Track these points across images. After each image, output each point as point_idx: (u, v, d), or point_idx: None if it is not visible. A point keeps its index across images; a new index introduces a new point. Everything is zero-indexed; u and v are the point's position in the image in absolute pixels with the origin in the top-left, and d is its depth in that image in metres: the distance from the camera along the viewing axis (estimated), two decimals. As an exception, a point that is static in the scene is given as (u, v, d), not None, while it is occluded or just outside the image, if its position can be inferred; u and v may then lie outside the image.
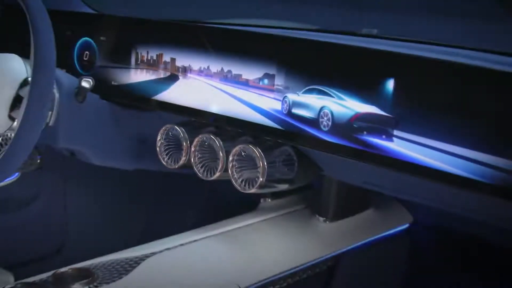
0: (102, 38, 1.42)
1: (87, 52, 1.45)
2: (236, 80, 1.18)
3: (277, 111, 1.12)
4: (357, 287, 1.45)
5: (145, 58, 1.34)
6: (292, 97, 1.09)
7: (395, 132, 0.96)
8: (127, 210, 1.87)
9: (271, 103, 1.12)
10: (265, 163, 1.16)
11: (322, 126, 1.05)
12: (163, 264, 1.20)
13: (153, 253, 1.22)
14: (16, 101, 1.19)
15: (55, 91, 1.25)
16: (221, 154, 1.21)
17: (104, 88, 1.39)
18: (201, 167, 1.26)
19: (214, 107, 1.22)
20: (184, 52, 1.27)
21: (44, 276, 1.13)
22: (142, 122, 1.45)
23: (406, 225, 1.51)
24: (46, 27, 1.12)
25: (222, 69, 1.20)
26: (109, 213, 1.85)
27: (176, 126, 1.27)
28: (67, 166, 1.72)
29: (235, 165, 1.20)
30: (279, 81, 1.11)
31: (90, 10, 1.60)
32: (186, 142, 1.26)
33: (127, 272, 1.15)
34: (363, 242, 1.42)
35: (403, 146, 0.96)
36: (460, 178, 0.89)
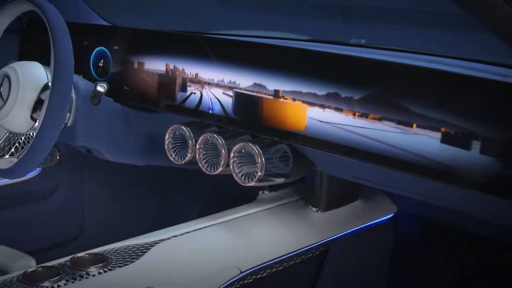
0: (115, 47, 1.43)
1: (102, 60, 1.45)
2: (236, 85, 1.19)
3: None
4: (347, 270, 1.44)
5: (153, 65, 1.34)
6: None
7: (381, 131, 0.98)
8: (138, 202, 1.87)
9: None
10: (263, 159, 1.17)
11: None
12: (170, 250, 1.20)
13: (162, 240, 1.22)
14: (38, 104, 1.20)
15: (73, 94, 1.25)
16: (223, 151, 1.21)
17: (117, 92, 1.40)
18: (205, 162, 1.26)
19: (217, 109, 1.23)
20: (189, 60, 1.27)
21: (62, 260, 1.12)
22: (152, 122, 1.45)
23: (391, 215, 1.50)
24: (65, 38, 1.13)
25: (223, 74, 1.21)
26: (122, 204, 1.85)
27: (182, 126, 1.28)
28: (83, 162, 1.73)
29: (236, 161, 1.20)
30: (271, 86, 1.12)
31: (105, 23, 1.60)
32: (192, 140, 1.26)
33: (138, 256, 1.15)
34: (352, 230, 1.41)
35: (387, 142, 0.97)
36: (440, 172, 0.91)
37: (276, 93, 1.12)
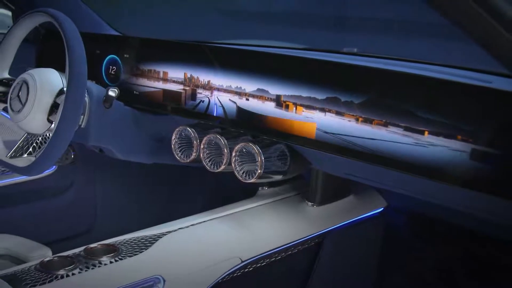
0: (125, 55, 1.43)
1: (113, 67, 1.45)
2: (238, 90, 1.19)
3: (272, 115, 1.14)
4: (340, 260, 1.45)
5: (160, 72, 1.34)
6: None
7: (371, 132, 0.98)
8: (147, 197, 1.87)
9: (267, 108, 1.15)
10: (263, 158, 1.17)
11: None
12: (176, 241, 1.21)
13: (168, 232, 1.22)
14: (54, 107, 1.19)
15: (87, 99, 1.26)
16: (225, 151, 1.22)
17: (127, 96, 1.40)
18: (209, 161, 1.27)
19: (220, 112, 1.23)
20: (194, 66, 1.27)
21: (77, 250, 1.14)
22: (159, 124, 1.45)
23: (381, 209, 1.50)
24: (79, 47, 1.13)
25: (225, 80, 1.21)
26: (131, 199, 1.85)
27: (187, 127, 1.28)
28: (96, 161, 1.73)
29: (237, 160, 1.21)
30: (273, 91, 1.13)
31: (116, 33, 1.60)
32: (196, 141, 1.27)
33: (147, 247, 1.15)
34: (344, 223, 1.42)
35: (377, 143, 0.98)
36: (426, 169, 0.92)
37: (277, 98, 1.12)
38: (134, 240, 1.19)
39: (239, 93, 1.18)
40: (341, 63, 1.06)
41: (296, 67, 1.12)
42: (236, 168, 1.21)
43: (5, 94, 1.28)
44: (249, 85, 1.17)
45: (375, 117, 0.97)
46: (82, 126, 1.26)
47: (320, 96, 1.05)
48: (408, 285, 1.55)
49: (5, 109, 1.28)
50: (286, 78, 1.11)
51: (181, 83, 1.30)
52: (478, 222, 1.22)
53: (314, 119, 1.07)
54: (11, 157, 1.25)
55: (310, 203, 1.41)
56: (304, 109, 1.08)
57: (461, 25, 0.66)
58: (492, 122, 0.86)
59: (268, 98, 1.14)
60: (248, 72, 1.17)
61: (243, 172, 1.21)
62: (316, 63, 1.09)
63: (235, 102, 1.20)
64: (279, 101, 1.12)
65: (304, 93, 1.08)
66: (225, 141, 1.22)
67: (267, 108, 1.14)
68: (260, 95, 1.15)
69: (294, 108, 1.09)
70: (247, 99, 1.17)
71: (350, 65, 1.04)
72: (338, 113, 1.03)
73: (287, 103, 1.10)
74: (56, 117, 1.13)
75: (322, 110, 1.05)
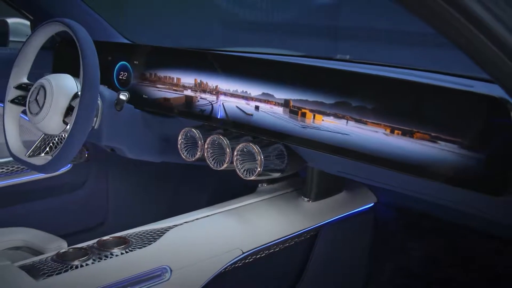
0: (135, 62, 1.43)
1: (124, 72, 1.45)
2: (241, 94, 1.19)
3: (272, 117, 1.14)
4: (334, 252, 1.45)
5: (168, 77, 1.34)
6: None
7: (364, 133, 0.98)
8: (155, 193, 1.87)
9: (267, 111, 1.14)
10: (262, 157, 1.17)
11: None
12: (182, 234, 1.21)
13: (175, 225, 1.23)
14: (69, 110, 1.19)
15: (99, 102, 1.26)
16: (228, 150, 1.22)
17: (137, 100, 1.40)
18: (212, 160, 1.27)
19: (222, 114, 1.23)
20: (198, 72, 1.27)
21: (90, 242, 1.14)
22: (166, 125, 1.44)
23: (371, 204, 1.50)
24: (92, 54, 1.13)
25: (228, 85, 1.21)
26: (141, 195, 1.85)
27: (192, 129, 1.28)
28: (108, 160, 1.72)
29: (238, 158, 1.21)
30: (275, 95, 1.13)
31: (126, 41, 1.61)
32: (201, 141, 1.27)
33: (155, 239, 1.16)
34: (338, 217, 1.42)
35: (370, 142, 0.98)
36: (414, 167, 0.92)
37: (286, 102, 1.10)
38: (144, 233, 1.19)
39: (246, 97, 1.18)
40: (336, 69, 1.05)
41: (298, 73, 1.11)
42: (238, 166, 1.21)
43: (24, 97, 1.28)
44: (255, 90, 1.16)
45: (368, 119, 0.97)
46: (95, 127, 1.26)
47: (328, 100, 1.03)
48: (397, 275, 1.55)
49: (24, 112, 1.28)
50: (288, 83, 1.10)
51: (188, 87, 1.30)
52: (463, 216, 1.22)
53: (323, 125, 1.04)
54: (29, 156, 1.25)
55: (306, 199, 1.41)
56: (324, 117, 1.04)
57: (445, 33, 0.66)
58: (474, 123, 0.86)
59: (275, 103, 1.12)
60: (253, 78, 1.16)
61: (244, 170, 1.21)
62: (315, 69, 1.09)
63: (240, 109, 1.19)
64: (287, 106, 1.10)
65: (311, 98, 1.07)
66: (227, 141, 1.22)
67: (278, 120, 1.12)
68: (265, 99, 1.14)
69: (312, 116, 1.06)
70: (257, 108, 1.15)
71: (343, 71, 1.04)
72: (348, 117, 1.01)
73: (304, 110, 1.07)
74: (71, 119, 1.13)
75: (336, 115, 1.02)
